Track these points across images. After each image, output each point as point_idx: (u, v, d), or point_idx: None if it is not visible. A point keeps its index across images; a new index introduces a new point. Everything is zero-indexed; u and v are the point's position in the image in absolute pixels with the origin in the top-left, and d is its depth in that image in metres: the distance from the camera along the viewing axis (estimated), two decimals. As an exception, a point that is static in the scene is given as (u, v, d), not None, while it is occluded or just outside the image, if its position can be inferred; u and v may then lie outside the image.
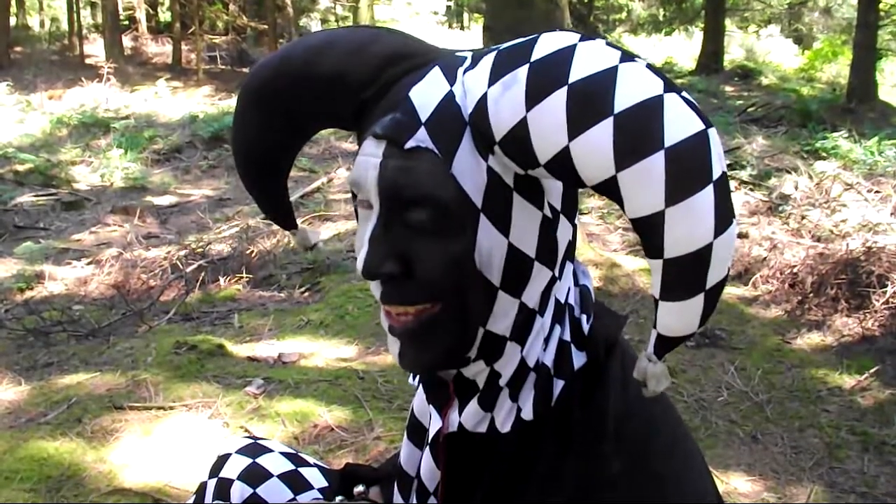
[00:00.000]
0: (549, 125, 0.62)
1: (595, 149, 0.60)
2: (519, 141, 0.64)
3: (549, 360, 0.75)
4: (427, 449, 0.85)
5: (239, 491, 1.09)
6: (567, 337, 0.76)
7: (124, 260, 4.53)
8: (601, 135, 0.60)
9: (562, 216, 0.74)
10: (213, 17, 16.00)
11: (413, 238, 0.70)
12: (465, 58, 0.71)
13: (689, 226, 0.60)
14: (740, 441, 2.58)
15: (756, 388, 2.93)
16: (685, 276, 0.62)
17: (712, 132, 0.61)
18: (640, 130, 0.59)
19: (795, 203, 5.03)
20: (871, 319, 3.44)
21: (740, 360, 3.18)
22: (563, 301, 0.77)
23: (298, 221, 0.92)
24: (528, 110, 0.62)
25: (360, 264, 0.71)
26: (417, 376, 0.88)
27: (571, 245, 0.77)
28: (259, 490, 1.09)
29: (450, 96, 0.69)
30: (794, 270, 3.95)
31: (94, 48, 15.47)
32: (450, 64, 0.71)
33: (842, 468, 2.43)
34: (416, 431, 0.88)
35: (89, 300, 4.13)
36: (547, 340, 0.75)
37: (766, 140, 7.68)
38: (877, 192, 4.99)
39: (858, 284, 3.62)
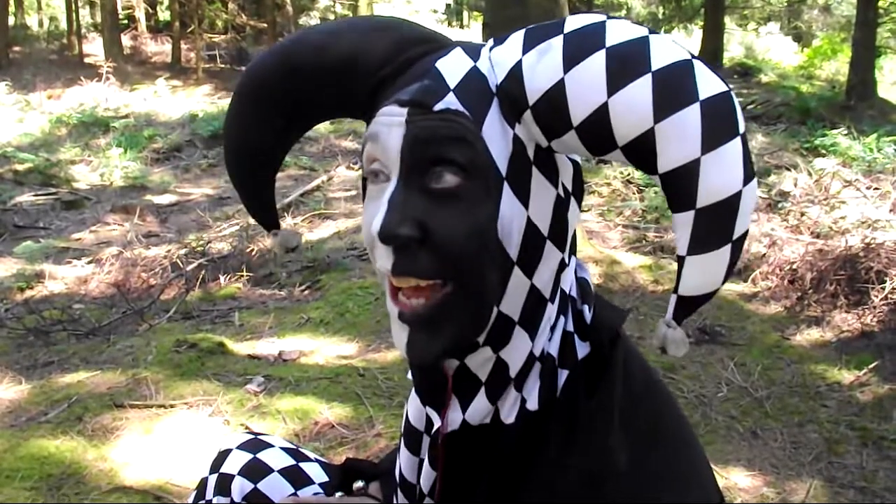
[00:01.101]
0: (587, 84, 0.64)
1: (634, 103, 0.63)
2: (554, 104, 0.66)
3: (553, 350, 0.75)
4: (426, 452, 0.84)
5: (239, 486, 1.09)
6: (570, 327, 0.77)
7: (124, 259, 4.54)
8: (641, 89, 0.63)
9: (572, 198, 0.75)
10: (212, 16, 16.00)
11: (433, 204, 0.69)
12: (484, 44, 0.73)
13: (721, 173, 0.64)
14: (740, 436, 2.58)
15: (755, 384, 2.94)
16: (716, 224, 0.65)
17: (733, 94, 0.66)
18: (676, 85, 0.63)
19: (795, 200, 5.04)
20: (870, 315, 3.44)
21: (740, 356, 3.18)
22: (567, 291, 0.78)
23: (283, 223, 0.91)
24: (565, 72, 0.65)
25: (376, 226, 0.68)
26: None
27: (574, 235, 0.78)
28: (260, 485, 1.09)
29: (476, 69, 0.70)
30: (794, 267, 3.96)
31: (93, 47, 15.47)
32: (470, 47, 0.73)
33: (841, 463, 2.44)
34: (413, 438, 0.86)
35: (89, 299, 4.14)
36: (552, 330, 0.76)
37: (766, 137, 7.69)
38: (876, 188, 5.00)
39: (857, 280, 3.62)
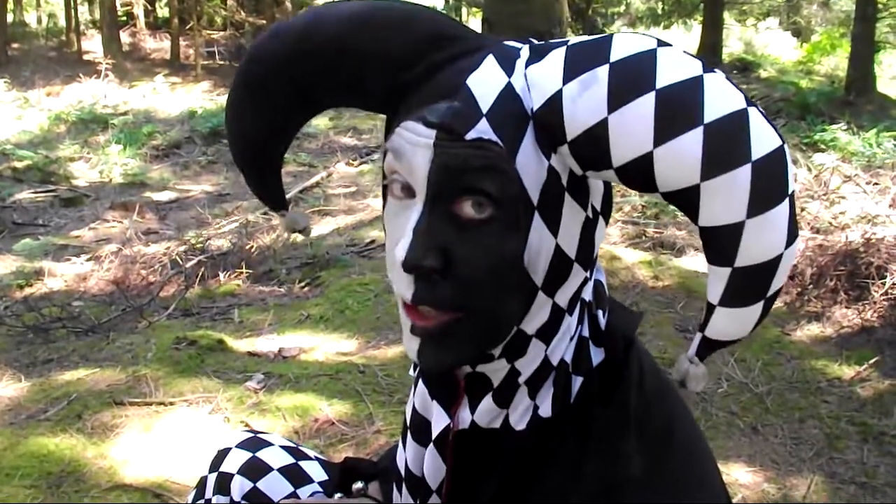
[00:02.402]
0: (633, 129, 0.60)
1: (682, 157, 0.60)
2: (595, 142, 0.62)
3: (568, 356, 0.74)
4: (431, 446, 0.81)
5: (239, 485, 1.09)
6: (586, 333, 0.75)
7: (123, 256, 4.53)
8: (691, 143, 0.59)
9: (600, 217, 0.73)
10: (211, 13, 15.97)
11: (459, 233, 0.66)
12: (519, 49, 0.68)
13: (765, 237, 0.61)
14: (740, 432, 2.58)
15: (756, 380, 2.93)
16: (752, 284, 0.63)
17: (787, 148, 0.62)
18: (729, 142, 0.60)
19: (794, 195, 5.02)
20: (871, 310, 3.44)
21: (740, 351, 3.18)
22: (586, 299, 0.76)
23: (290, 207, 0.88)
24: (610, 112, 0.61)
25: (399, 255, 0.65)
26: (417, 368, 0.85)
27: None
28: (259, 484, 1.09)
29: (510, 88, 0.65)
30: (794, 262, 3.95)
31: (92, 44, 15.42)
32: (503, 53, 0.67)
33: (841, 459, 2.43)
34: (422, 430, 0.83)
35: (89, 296, 4.13)
36: (571, 338, 0.74)
37: (765, 132, 7.68)
38: (875, 184, 4.99)
39: (857, 276, 3.62)
